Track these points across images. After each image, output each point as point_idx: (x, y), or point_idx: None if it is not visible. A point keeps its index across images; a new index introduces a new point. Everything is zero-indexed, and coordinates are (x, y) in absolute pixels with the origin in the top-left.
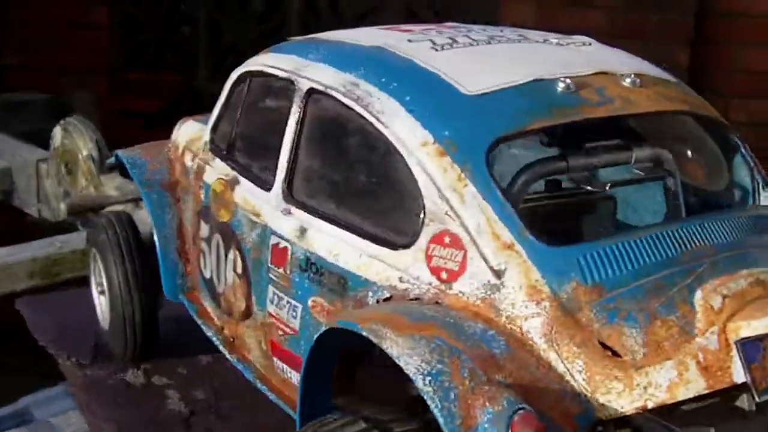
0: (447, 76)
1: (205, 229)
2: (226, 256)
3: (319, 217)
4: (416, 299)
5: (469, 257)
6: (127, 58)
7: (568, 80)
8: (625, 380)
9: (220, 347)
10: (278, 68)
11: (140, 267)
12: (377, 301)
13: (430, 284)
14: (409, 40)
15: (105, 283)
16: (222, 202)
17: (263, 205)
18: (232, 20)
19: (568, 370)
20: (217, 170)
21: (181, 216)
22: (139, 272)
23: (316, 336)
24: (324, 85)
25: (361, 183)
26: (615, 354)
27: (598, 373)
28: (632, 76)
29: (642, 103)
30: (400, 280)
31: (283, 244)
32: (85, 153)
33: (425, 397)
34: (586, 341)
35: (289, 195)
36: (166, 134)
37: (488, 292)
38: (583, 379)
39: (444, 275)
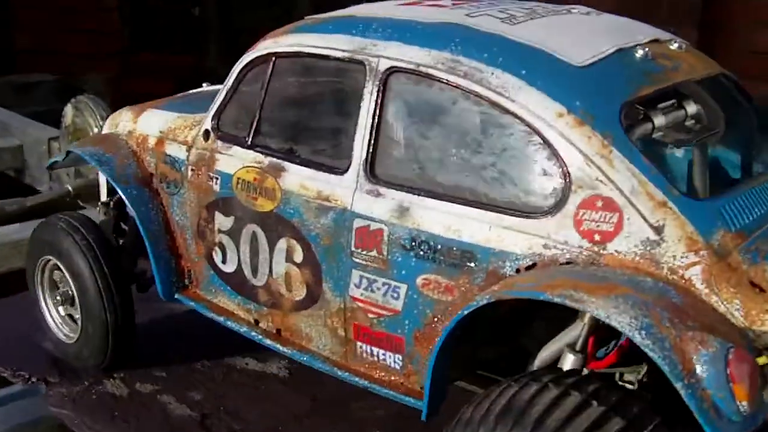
0: (548, 48)
1: (225, 222)
2: (271, 246)
3: (425, 195)
4: (569, 263)
5: (626, 217)
6: (138, 40)
7: (647, 48)
8: None
9: (265, 341)
10: (330, 48)
11: (116, 269)
12: (517, 270)
13: (581, 247)
14: (469, 15)
15: (75, 292)
16: (260, 190)
17: (336, 189)
18: (242, 0)
19: (728, 309)
20: (238, 158)
21: (166, 210)
22: (116, 275)
23: (467, 310)
24: (413, 63)
25: (480, 157)
26: (761, 290)
27: (753, 309)
28: (678, 41)
29: (699, 66)
30: (545, 246)
31: (375, 226)
32: (96, 130)
33: (645, 350)
34: (739, 282)
35: (372, 176)
36: None
37: (648, 248)
38: (742, 316)
39: (597, 237)
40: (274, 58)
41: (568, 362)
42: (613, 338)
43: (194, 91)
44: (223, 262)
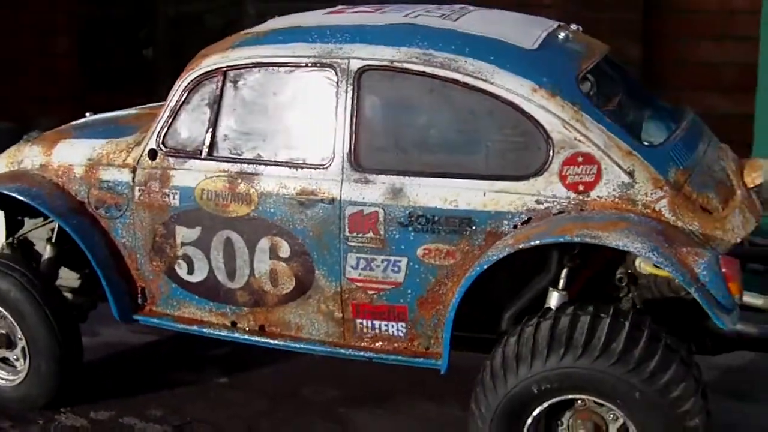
0: (498, 36)
1: (189, 233)
2: (251, 248)
3: (416, 175)
4: (560, 212)
5: (603, 168)
6: (91, 83)
7: (566, 31)
8: (722, 229)
9: (249, 340)
10: (292, 56)
11: (61, 302)
12: (515, 226)
13: (568, 198)
14: (407, 16)
15: (17, 332)
16: (232, 197)
17: (321, 184)
18: (191, 40)
19: (691, 231)
20: (197, 171)
21: (107, 235)
22: (61, 307)
23: (486, 264)
24: (386, 60)
25: (465, 135)
26: (709, 213)
27: (707, 228)
28: (574, 25)
29: (600, 45)
30: (537, 202)
31: (369, 209)
32: None
33: (661, 266)
34: (695, 208)
35: (358, 166)
36: None
37: (625, 190)
38: (701, 234)
39: (581, 187)
40: (225, 72)
41: (555, 299)
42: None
43: (82, 120)
44: (190, 273)
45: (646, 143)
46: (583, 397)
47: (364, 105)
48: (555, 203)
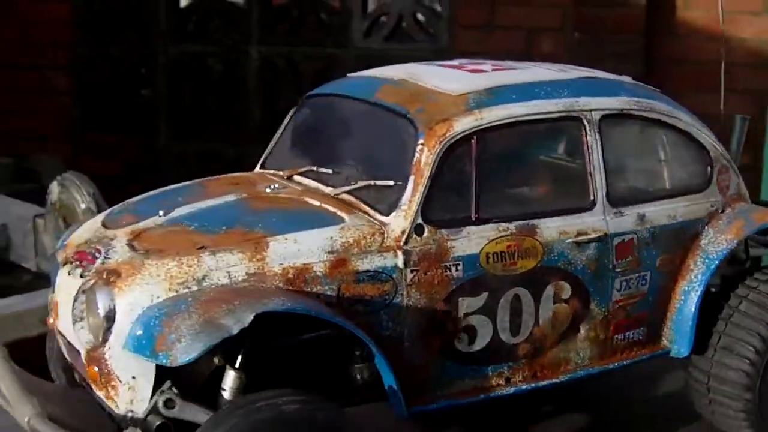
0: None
1: (474, 302)
2: (537, 298)
3: (648, 201)
4: (723, 210)
5: (731, 175)
6: (88, 121)
7: None
8: None
9: (519, 391)
10: (540, 113)
11: None
12: (704, 226)
13: (722, 200)
14: (560, 71)
15: None
16: (519, 253)
17: (592, 222)
18: (192, 82)
19: None
20: (477, 236)
21: (372, 332)
22: None
23: (724, 255)
24: (617, 109)
25: (664, 163)
26: None
27: None
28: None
29: None
30: (711, 206)
31: (628, 237)
32: (83, 206)
33: None
34: None
35: (611, 202)
36: (129, 195)
37: (736, 189)
38: None
39: (725, 190)
40: (481, 133)
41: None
42: None
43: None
44: (470, 343)
45: None
46: None
47: (607, 148)
48: (718, 204)
